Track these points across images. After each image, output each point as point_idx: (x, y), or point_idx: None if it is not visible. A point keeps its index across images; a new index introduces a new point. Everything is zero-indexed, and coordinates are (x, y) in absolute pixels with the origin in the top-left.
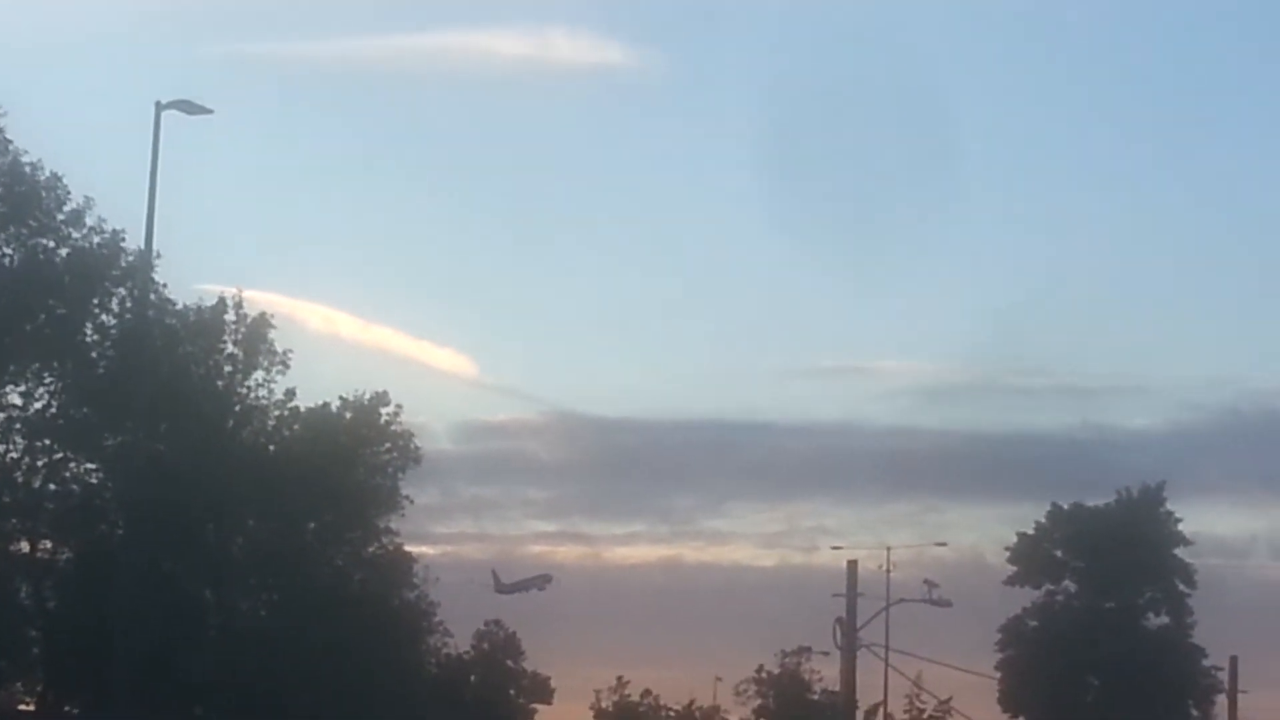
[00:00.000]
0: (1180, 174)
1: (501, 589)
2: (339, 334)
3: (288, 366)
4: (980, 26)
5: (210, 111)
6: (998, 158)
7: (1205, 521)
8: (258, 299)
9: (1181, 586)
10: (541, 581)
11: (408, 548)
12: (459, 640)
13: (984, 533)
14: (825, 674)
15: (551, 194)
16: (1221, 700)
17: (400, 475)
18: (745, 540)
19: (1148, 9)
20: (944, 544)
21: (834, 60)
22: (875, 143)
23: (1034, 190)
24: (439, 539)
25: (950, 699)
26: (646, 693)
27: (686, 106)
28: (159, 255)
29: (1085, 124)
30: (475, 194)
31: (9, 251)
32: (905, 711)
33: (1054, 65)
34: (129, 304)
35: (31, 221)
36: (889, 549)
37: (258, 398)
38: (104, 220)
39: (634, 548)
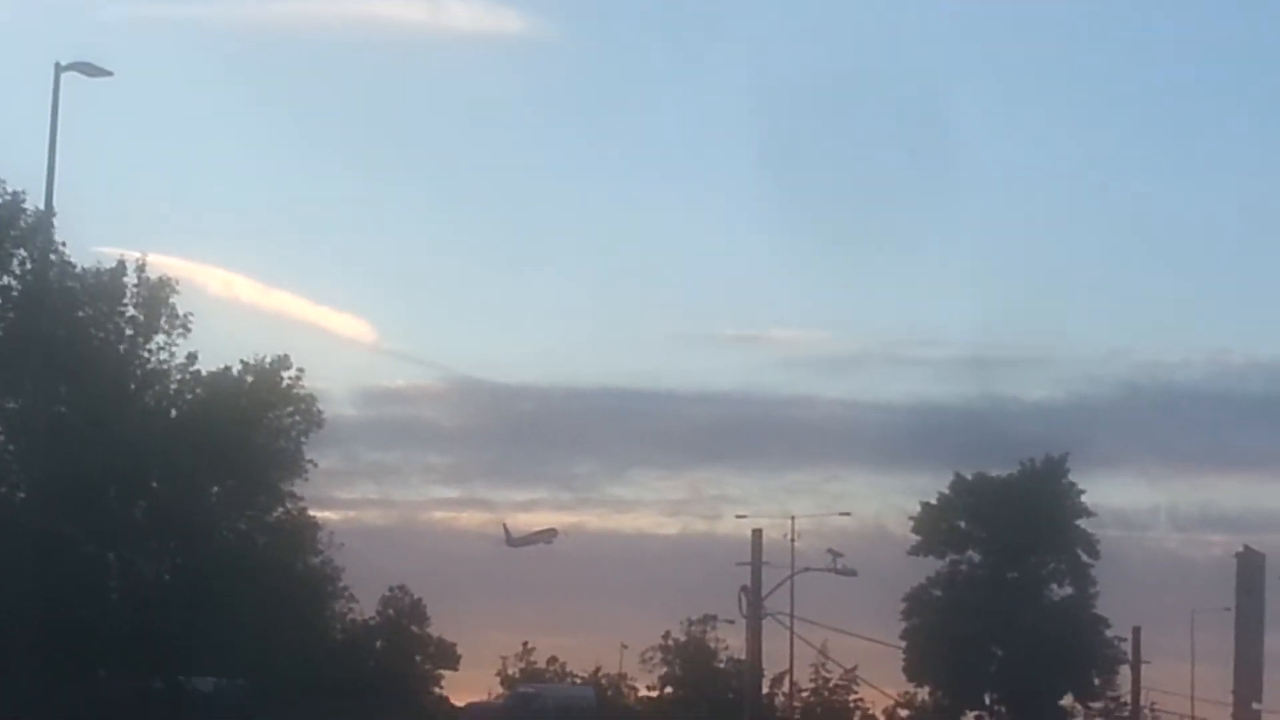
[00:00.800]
0: (1076, 150)
1: (512, 542)
2: (238, 298)
3: (189, 330)
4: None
5: (110, 74)
6: (909, 131)
7: (1106, 494)
8: (157, 262)
9: (1084, 557)
10: (549, 535)
11: (311, 513)
12: (364, 606)
13: (886, 502)
14: (731, 642)
15: (449, 160)
16: (1124, 670)
17: (303, 439)
18: (648, 508)
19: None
20: (848, 514)
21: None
22: (788, 114)
23: (939, 163)
24: (341, 504)
25: (855, 668)
26: (552, 659)
27: (581, 74)
28: (58, 216)
29: (1012, 101)
30: (374, 159)
31: None
32: (811, 680)
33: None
34: (29, 266)
35: None
36: (793, 518)
37: (159, 362)
38: (3, 181)
39: (536, 514)
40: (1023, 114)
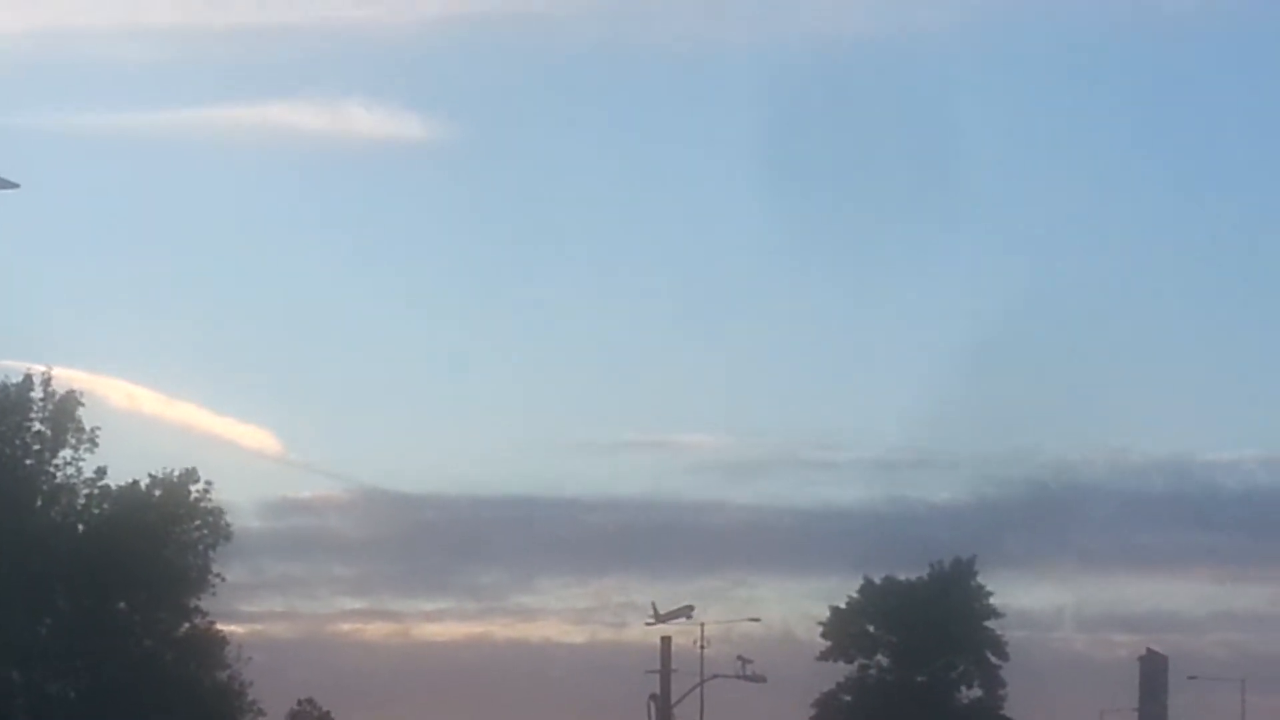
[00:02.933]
0: (971, 261)
1: (659, 619)
2: (141, 410)
3: (96, 444)
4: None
5: (17, 186)
6: (806, 231)
7: (1012, 594)
8: (61, 375)
9: (993, 659)
10: (687, 611)
11: (218, 626)
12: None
13: (793, 607)
14: None
15: (352, 266)
16: None
17: (211, 553)
18: (555, 616)
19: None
20: (757, 619)
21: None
22: (692, 219)
23: (836, 267)
24: (247, 617)
25: None
26: None
27: (484, 177)
28: None
29: (911, 217)
30: (275, 267)
31: None
32: None
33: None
34: None
35: None
36: (702, 625)
37: (66, 476)
38: None
39: (443, 624)
40: (912, 227)
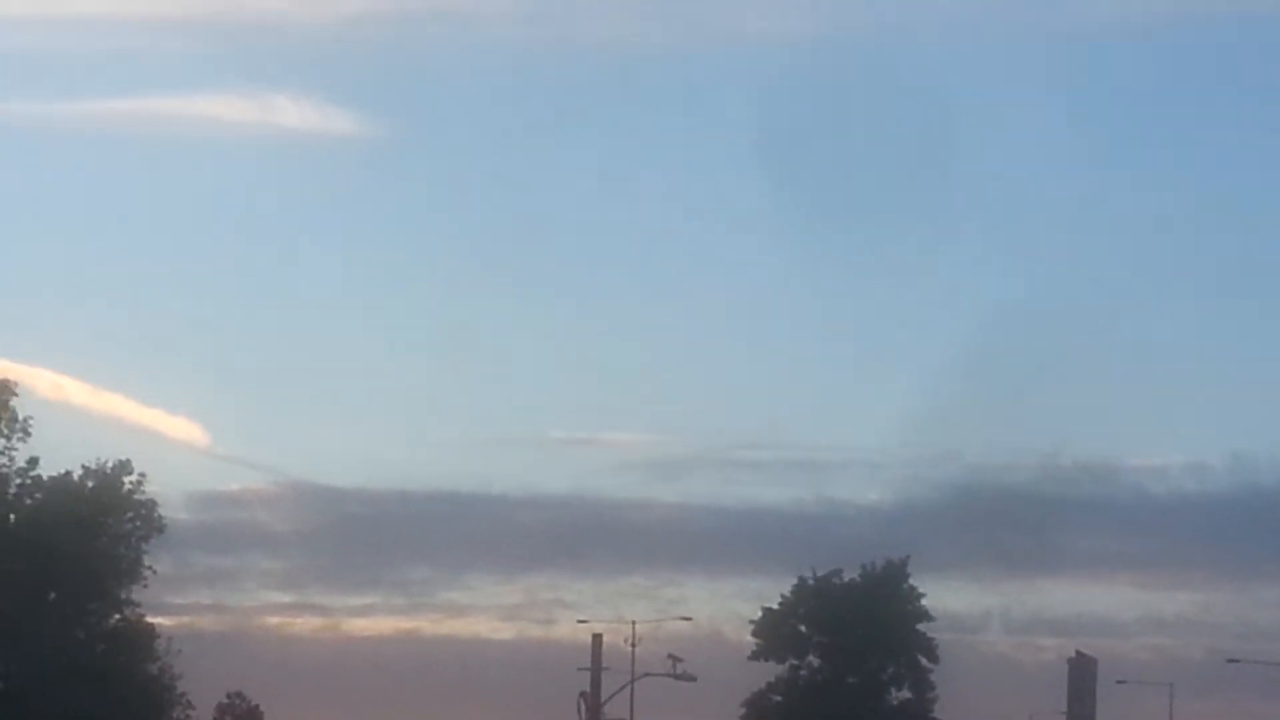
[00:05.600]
0: (904, 261)
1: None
2: (69, 401)
3: (29, 434)
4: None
5: None
6: (730, 231)
7: (940, 597)
8: None
9: (923, 661)
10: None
11: (149, 619)
12: (201, 713)
13: (721, 606)
14: None
15: (280, 261)
16: None
17: (143, 545)
18: (484, 613)
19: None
20: (689, 618)
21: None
22: (610, 214)
23: (761, 264)
24: (174, 610)
25: None
26: None
27: (409, 173)
28: None
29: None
30: (203, 259)
31: None
32: None
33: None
34: None
35: None
36: (634, 623)
37: None
38: None
39: (372, 619)
40: (849, 228)
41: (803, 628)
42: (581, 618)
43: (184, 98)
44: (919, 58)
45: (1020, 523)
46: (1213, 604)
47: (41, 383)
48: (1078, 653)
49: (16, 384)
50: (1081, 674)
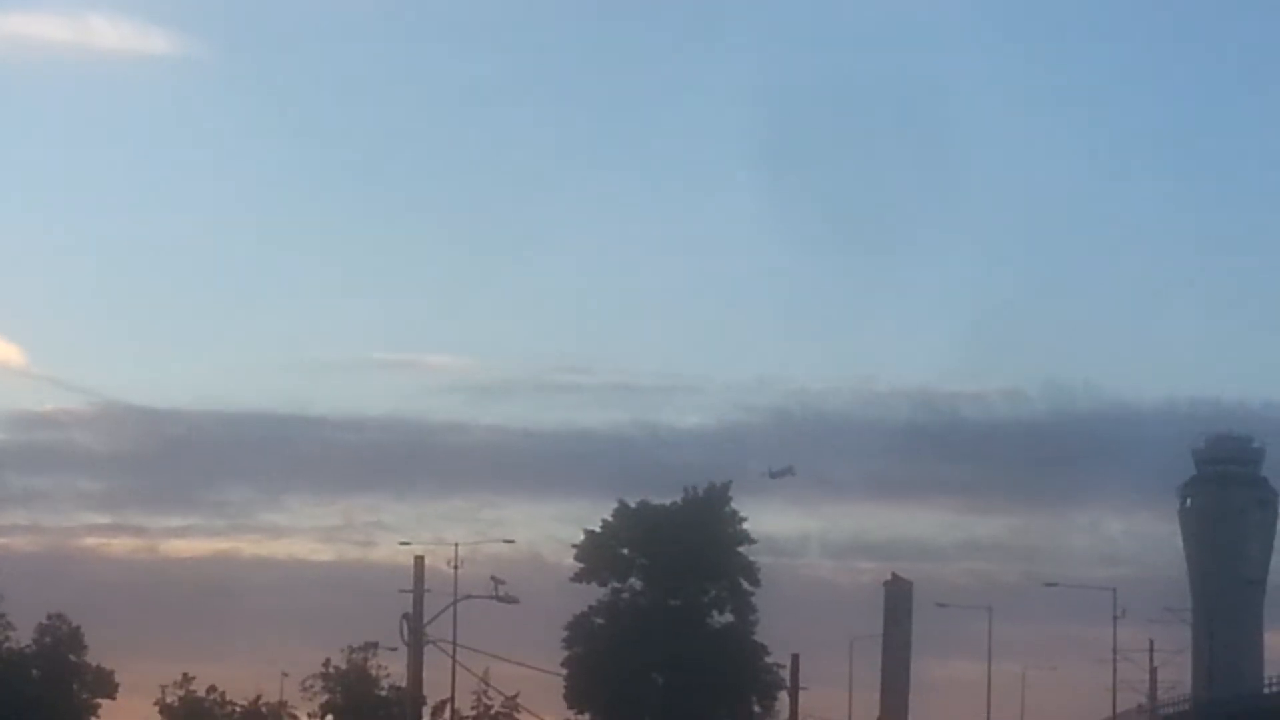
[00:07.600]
0: (743, 194)
1: (773, 475)
2: None
3: None
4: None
5: None
6: (564, 165)
7: (760, 521)
8: None
9: (745, 585)
10: (795, 468)
11: None
12: (20, 634)
13: (541, 529)
14: (393, 670)
15: (95, 181)
16: (783, 696)
17: None
18: (303, 535)
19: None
20: (511, 540)
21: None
22: (435, 133)
23: (595, 198)
24: None
25: (517, 695)
26: (212, 688)
27: (232, 94)
28: None
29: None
30: (22, 179)
31: None
32: (472, 708)
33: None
34: None
35: None
36: (456, 545)
37: None
38: None
39: (190, 540)
40: (676, 157)
41: (624, 550)
42: (403, 540)
43: None
44: None
45: (838, 447)
46: (1029, 528)
47: None
48: (893, 575)
49: None
50: (897, 597)
